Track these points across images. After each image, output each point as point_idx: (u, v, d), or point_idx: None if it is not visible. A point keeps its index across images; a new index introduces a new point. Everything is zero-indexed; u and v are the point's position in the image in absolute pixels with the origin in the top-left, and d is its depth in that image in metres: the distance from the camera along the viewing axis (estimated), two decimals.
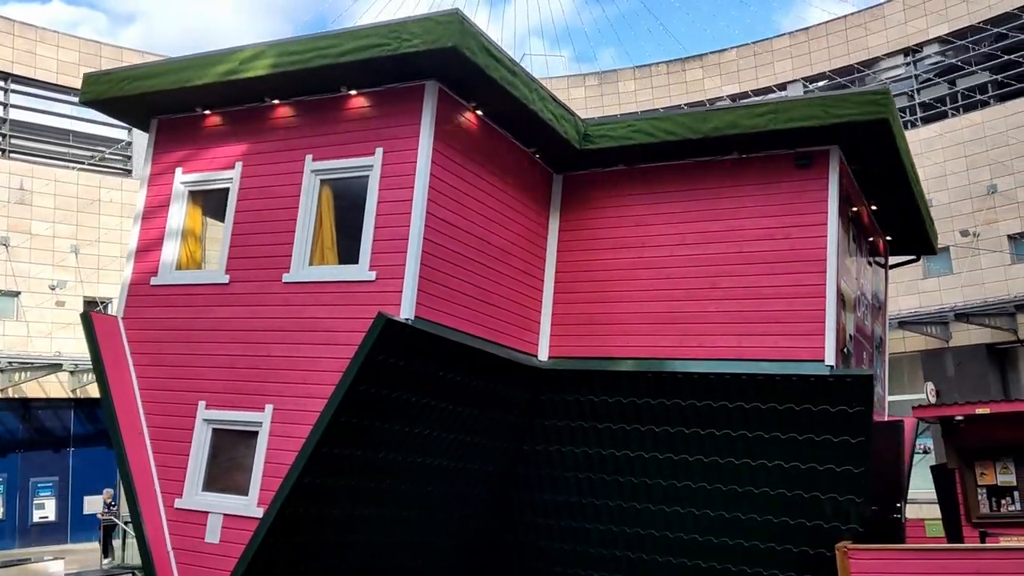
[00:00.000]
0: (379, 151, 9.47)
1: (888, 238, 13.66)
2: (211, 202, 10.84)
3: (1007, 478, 12.03)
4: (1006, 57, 29.87)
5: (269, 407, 9.36)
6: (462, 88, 9.59)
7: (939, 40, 31.46)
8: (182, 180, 10.81)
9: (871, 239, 12.82)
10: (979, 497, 12.13)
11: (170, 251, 10.68)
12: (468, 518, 11.60)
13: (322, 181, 9.87)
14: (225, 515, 9.29)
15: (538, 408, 11.37)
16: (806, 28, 34.56)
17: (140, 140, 31.68)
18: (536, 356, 11.26)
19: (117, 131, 31.96)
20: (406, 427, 9.59)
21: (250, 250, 10.05)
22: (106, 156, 31.33)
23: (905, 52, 32.21)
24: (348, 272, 9.40)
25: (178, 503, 9.65)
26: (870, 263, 13.08)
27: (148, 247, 10.86)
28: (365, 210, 9.43)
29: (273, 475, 9.10)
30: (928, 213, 13.33)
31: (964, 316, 26.99)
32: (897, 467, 11.29)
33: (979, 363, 28.42)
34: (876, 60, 32.66)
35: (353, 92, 9.78)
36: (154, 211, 10.97)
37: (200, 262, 10.80)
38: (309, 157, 9.90)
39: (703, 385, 10.36)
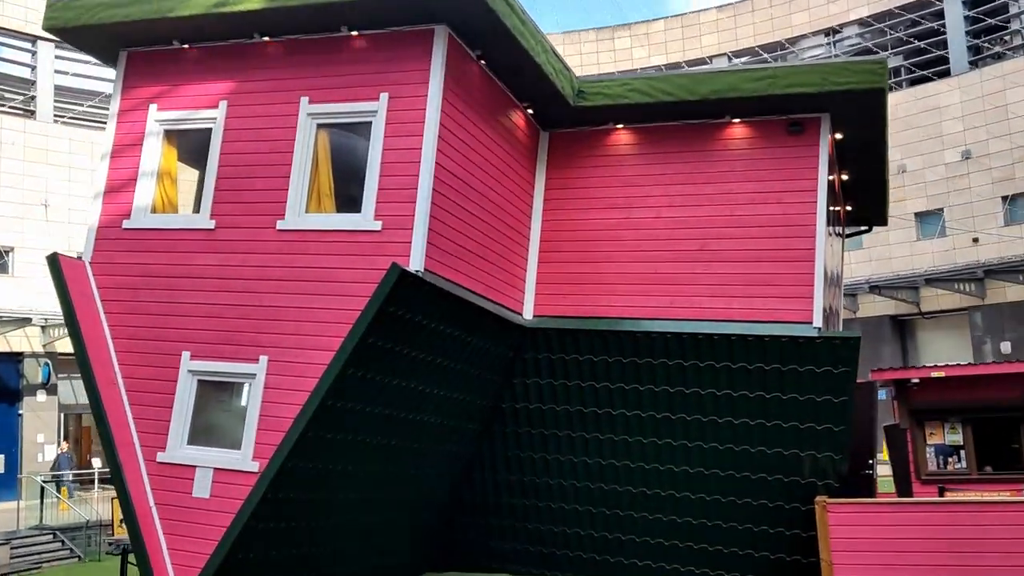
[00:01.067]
0: (384, 96, 9.12)
1: (848, 208, 14.11)
2: (187, 143, 10.24)
3: (954, 437, 12.77)
4: (918, 43, 31.24)
5: (263, 358, 8.98)
6: (470, 35, 9.32)
7: (859, 22, 32.60)
8: (157, 118, 10.15)
9: (836, 208, 13.22)
10: (928, 455, 12.82)
11: (144, 193, 10.04)
12: (445, 475, 11.50)
13: (319, 125, 9.45)
14: (216, 469, 8.89)
15: (520, 366, 11.31)
16: (732, 3, 35.21)
17: (46, 78, 29.77)
18: (521, 314, 11.17)
19: (17, 68, 29.92)
20: (403, 382, 9.39)
21: (238, 195, 9.56)
22: (4, 96, 29.27)
23: (827, 32, 33.25)
24: (350, 221, 9.05)
25: (161, 457, 9.18)
26: (831, 232, 13.49)
27: (117, 188, 10.18)
28: (368, 157, 9.09)
29: (269, 428, 8.76)
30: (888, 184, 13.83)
31: (876, 288, 28.29)
32: (869, 426, 11.77)
33: (879, 333, 29.95)
34: (800, 38, 33.60)
35: (354, 33, 9.37)
36: (123, 150, 10.28)
37: (176, 206, 10.21)
38: (305, 99, 9.45)
39: (692, 345, 10.50)
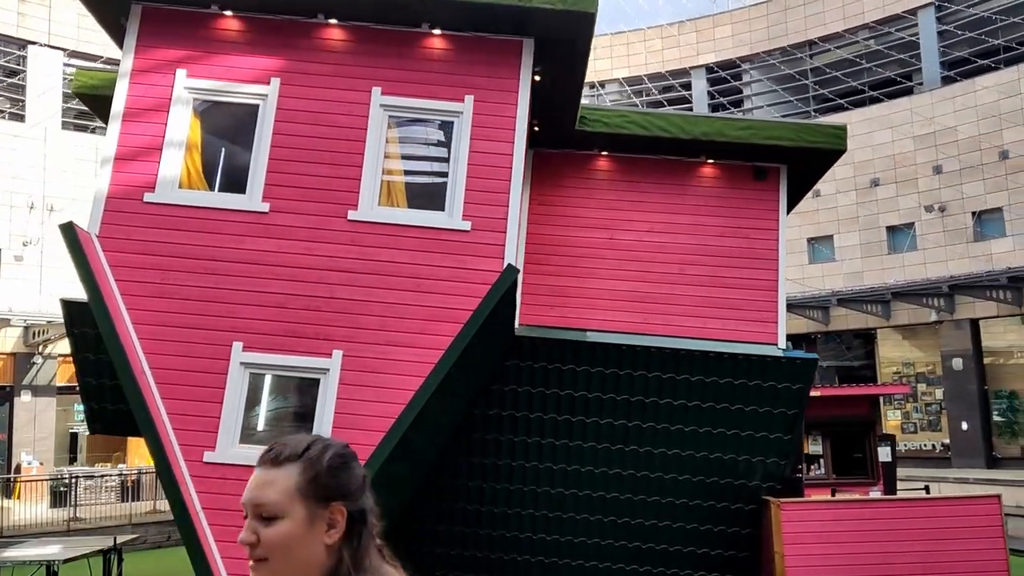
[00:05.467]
0: (469, 99, 9.21)
1: None
2: (222, 116, 9.45)
3: (816, 448, 15.07)
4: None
5: (337, 353, 8.58)
6: (545, 51, 9.69)
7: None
8: (187, 85, 9.25)
9: None
10: None
11: (171, 165, 9.07)
12: (419, 476, 11.44)
13: (390, 117, 9.26)
14: None
15: (500, 373, 11.63)
16: (623, 32, 36.68)
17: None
18: None
19: None
20: (460, 383, 9.43)
21: (297, 180, 9.03)
22: None
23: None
24: (435, 219, 8.99)
25: (209, 457, 8.35)
26: None
27: (130, 156, 9.10)
28: (452, 157, 9.11)
29: (345, 426, 8.40)
30: None
31: (845, 301, 28.39)
32: (799, 433, 13.57)
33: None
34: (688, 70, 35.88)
35: (436, 31, 9.35)
36: (138, 114, 9.21)
37: (204, 182, 9.33)
38: (377, 90, 9.22)
39: (671, 359, 11.57)
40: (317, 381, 8.56)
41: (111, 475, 24.61)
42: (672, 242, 11.95)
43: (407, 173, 9.35)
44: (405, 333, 8.59)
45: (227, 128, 9.39)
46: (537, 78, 10.07)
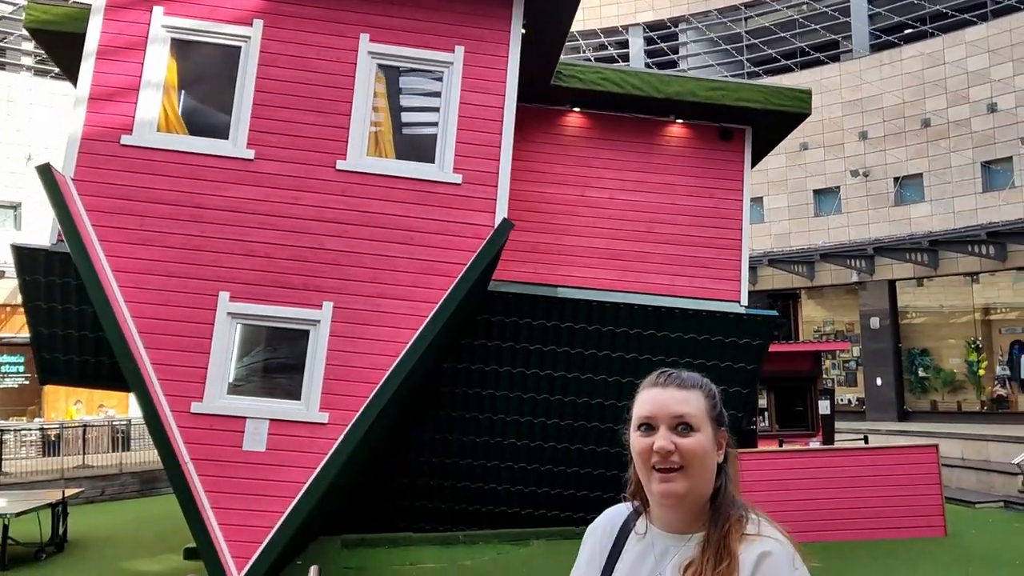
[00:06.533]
0: (460, 49, 9.10)
1: None
2: (200, 57, 9.08)
3: (762, 401, 15.66)
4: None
5: (328, 304, 8.48)
6: (532, 2, 9.61)
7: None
8: (164, 23, 8.86)
9: None
10: None
11: (149, 107, 8.71)
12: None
13: (379, 66, 9.08)
14: (273, 420, 8.21)
15: (471, 328, 11.66)
16: None
17: None
18: None
19: None
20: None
21: (283, 127, 8.80)
22: None
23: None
24: (426, 171, 8.90)
25: (197, 408, 8.17)
26: None
27: (105, 96, 8.70)
28: (442, 109, 9.01)
29: (336, 377, 8.35)
30: None
31: (776, 262, 29.16)
32: (756, 386, 14.03)
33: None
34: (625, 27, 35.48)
35: None
36: (112, 52, 8.79)
37: (183, 126, 8.99)
38: (365, 37, 9.02)
39: (640, 315, 11.81)
40: (307, 333, 8.44)
41: (31, 429, 23.77)
42: (642, 200, 12.12)
43: (396, 124, 9.20)
44: (397, 286, 8.54)
45: (207, 71, 9.05)
46: (523, 31, 10.00)
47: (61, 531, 12.75)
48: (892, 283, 28.23)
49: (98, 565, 11.51)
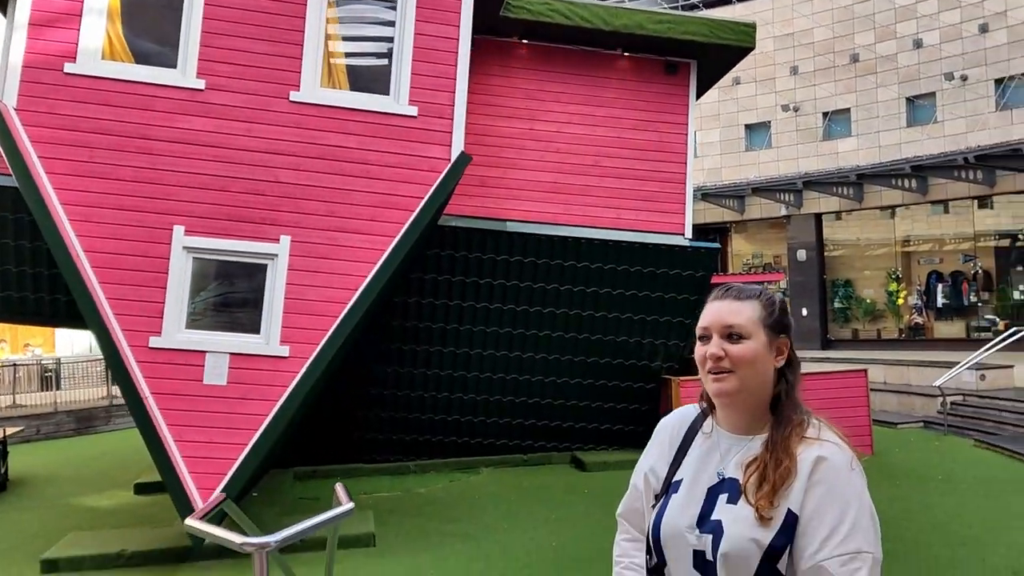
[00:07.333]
0: None
1: None
2: None
3: None
4: None
5: (285, 238, 8.44)
6: None
7: None
8: None
9: None
10: None
11: (93, 34, 8.40)
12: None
13: None
14: (233, 355, 8.22)
15: (420, 262, 11.73)
16: None
17: None
18: None
19: None
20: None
21: (233, 55, 8.59)
22: None
23: None
24: (381, 103, 8.82)
25: (155, 342, 8.11)
26: None
27: (46, 21, 8.35)
28: (396, 39, 8.92)
29: (296, 311, 8.38)
30: None
31: (709, 196, 29.61)
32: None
33: None
34: None
35: None
36: None
37: (129, 54, 8.70)
38: None
39: (587, 248, 12.03)
40: (265, 267, 8.41)
41: None
42: (589, 134, 12.23)
43: (349, 55, 9.06)
44: (355, 220, 8.54)
45: None
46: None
47: (3, 470, 12.58)
48: (818, 216, 29.10)
49: (45, 502, 11.44)
